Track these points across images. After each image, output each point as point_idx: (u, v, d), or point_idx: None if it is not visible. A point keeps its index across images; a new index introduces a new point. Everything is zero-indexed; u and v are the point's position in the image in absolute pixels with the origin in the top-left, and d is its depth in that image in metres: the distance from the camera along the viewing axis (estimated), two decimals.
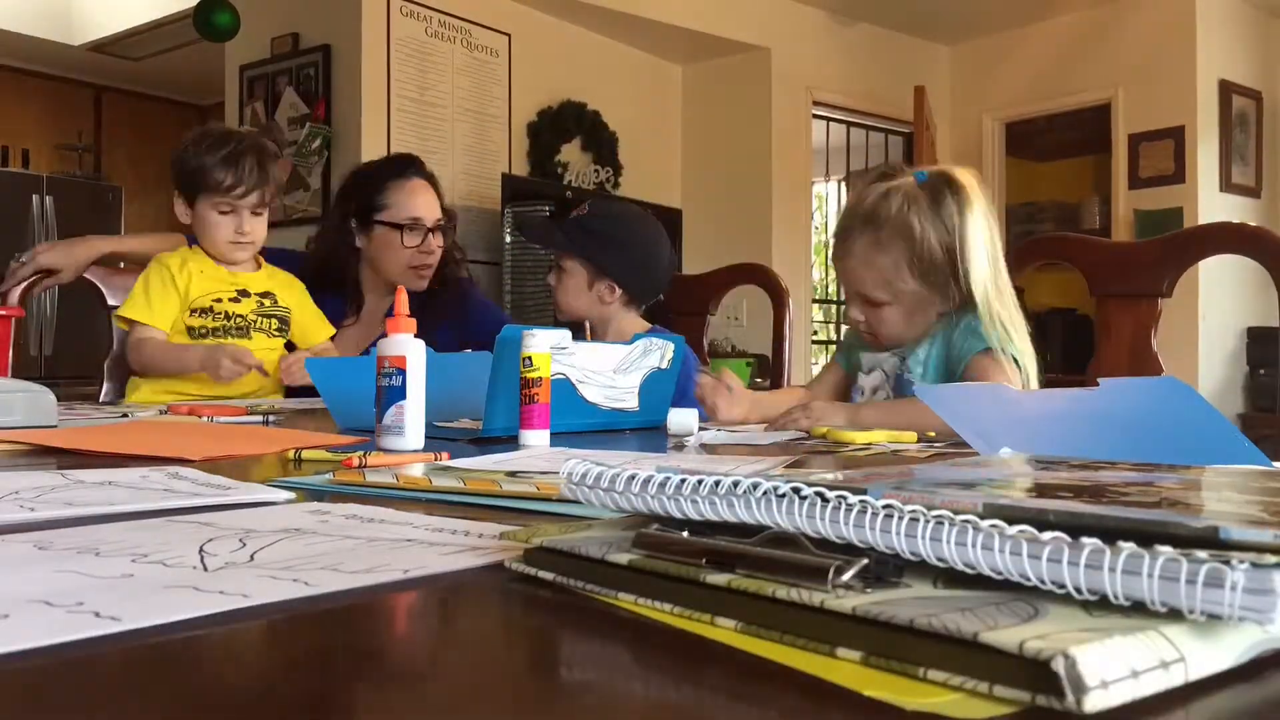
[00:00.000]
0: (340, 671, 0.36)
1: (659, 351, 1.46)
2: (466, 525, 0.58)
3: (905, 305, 1.55)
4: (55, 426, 1.21)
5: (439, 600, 0.44)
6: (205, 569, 0.46)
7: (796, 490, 0.38)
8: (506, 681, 0.34)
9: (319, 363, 1.60)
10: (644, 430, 1.43)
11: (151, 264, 2.16)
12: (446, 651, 0.38)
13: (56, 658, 0.34)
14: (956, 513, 0.35)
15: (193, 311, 2.15)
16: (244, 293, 2.22)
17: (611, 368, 1.39)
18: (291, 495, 0.71)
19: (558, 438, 1.19)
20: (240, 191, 2.09)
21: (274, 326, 2.22)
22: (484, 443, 1.20)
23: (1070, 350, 6.18)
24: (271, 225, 2.26)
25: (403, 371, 1.08)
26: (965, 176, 1.55)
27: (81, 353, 5.11)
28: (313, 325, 2.29)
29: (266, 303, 2.23)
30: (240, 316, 2.20)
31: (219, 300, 2.19)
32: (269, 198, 2.16)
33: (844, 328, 6.61)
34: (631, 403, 1.42)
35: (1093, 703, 0.27)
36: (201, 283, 2.19)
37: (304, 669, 0.35)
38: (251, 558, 0.48)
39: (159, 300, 2.11)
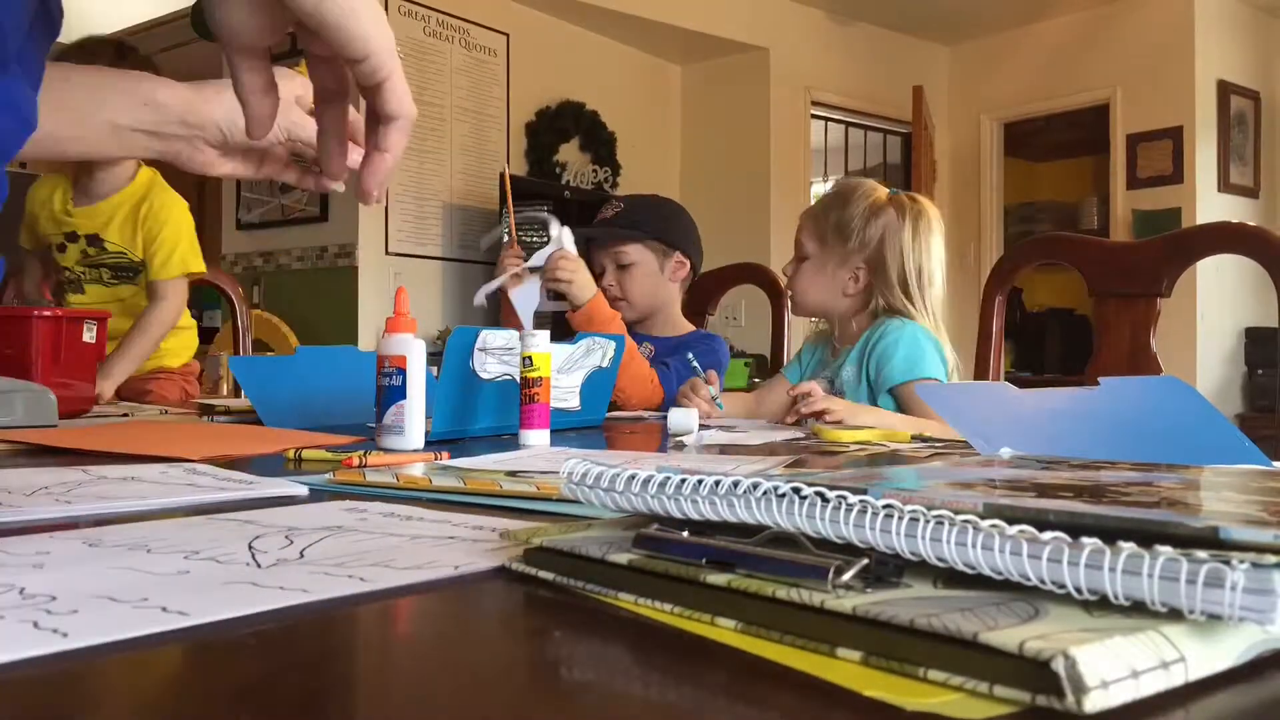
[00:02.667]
0: (343, 671, 0.36)
1: (601, 350, 1.46)
2: (493, 522, 0.59)
3: (813, 263, 1.76)
4: (55, 426, 1.21)
5: (457, 599, 0.44)
6: (258, 565, 0.47)
7: (796, 490, 0.38)
8: (506, 681, 0.34)
9: (243, 361, 1.56)
10: (585, 429, 1.43)
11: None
12: (446, 651, 0.38)
13: (133, 651, 0.34)
14: (956, 513, 0.35)
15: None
16: (72, 236, 2.00)
17: (555, 367, 1.38)
18: (304, 491, 0.72)
19: (508, 439, 1.19)
20: None
21: (106, 276, 2.02)
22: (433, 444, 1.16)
23: (1068, 350, 6.18)
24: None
25: (403, 371, 1.08)
26: (927, 202, 1.78)
27: None
28: (153, 265, 2.01)
29: (92, 250, 2.01)
30: (68, 270, 1.99)
31: (48, 249, 2.00)
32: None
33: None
34: (573, 402, 1.42)
35: (1093, 703, 0.27)
36: (45, 222, 2.00)
37: (380, 663, 0.35)
38: (301, 554, 0.49)
39: (25, 229, 2.01)
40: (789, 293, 1.87)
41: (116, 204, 2.05)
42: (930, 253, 1.72)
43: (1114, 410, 0.77)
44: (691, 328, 2.07)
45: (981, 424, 0.89)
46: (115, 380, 1.95)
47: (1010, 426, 0.84)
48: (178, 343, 2.19)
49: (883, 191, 1.77)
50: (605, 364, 1.47)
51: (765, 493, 0.38)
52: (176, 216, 2.08)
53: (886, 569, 0.36)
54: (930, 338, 1.65)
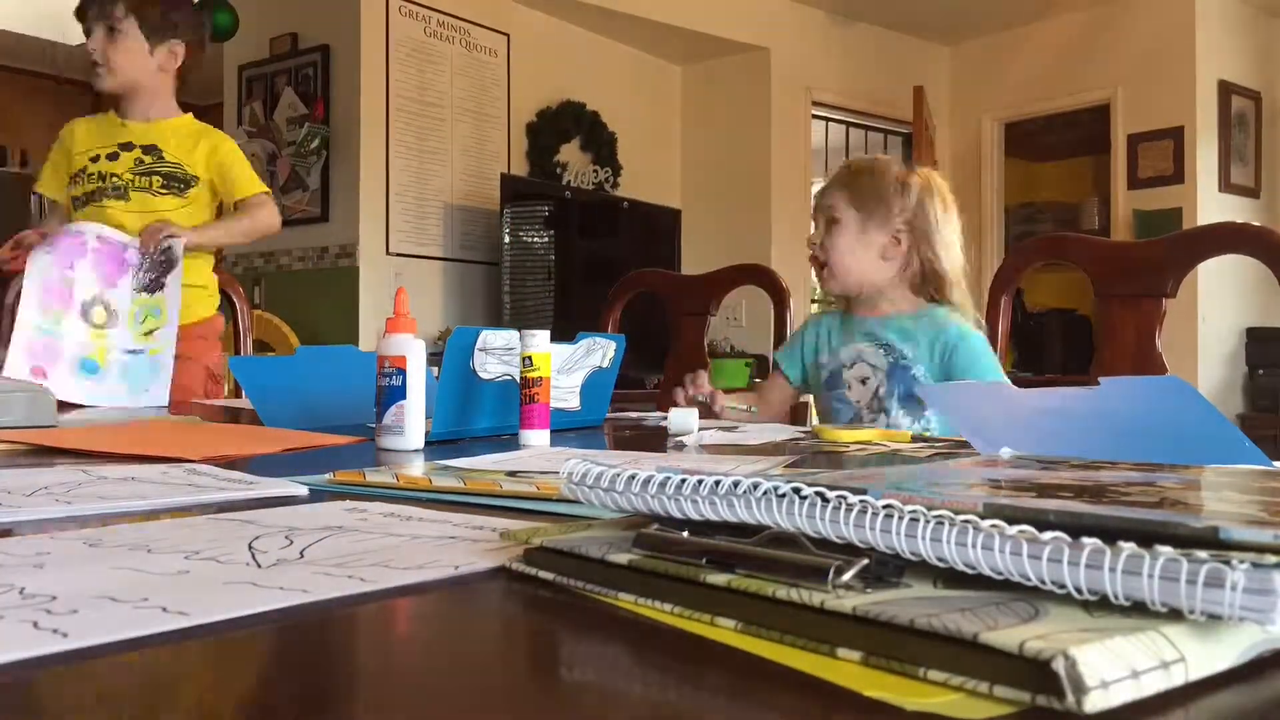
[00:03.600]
0: (350, 671, 0.36)
1: (601, 350, 1.46)
2: (493, 522, 0.59)
3: (853, 229, 1.69)
4: (55, 426, 1.21)
5: (457, 599, 0.44)
6: (259, 565, 0.47)
7: (796, 490, 0.38)
8: (506, 681, 0.34)
9: (244, 361, 1.56)
10: (585, 429, 1.42)
11: None
12: (446, 651, 0.38)
13: (132, 652, 0.35)
14: (957, 513, 0.34)
15: (72, 179, 2.01)
16: (126, 146, 2.04)
17: (555, 367, 1.38)
18: (304, 491, 0.72)
19: (508, 439, 1.19)
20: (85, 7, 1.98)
21: (157, 184, 2.03)
22: (435, 445, 1.15)
23: (1069, 351, 6.18)
24: None
25: (403, 371, 1.08)
26: (941, 178, 1.76)
27: None
28: (235, 184, 2.09)
29: (148, 159, 2.03)
30: (115, 176, 2.01)
31: (95, 159, 2.03)
32: (122, 12, 1.99)
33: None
34: (574, 402, 1.42)
35: (1093, 703, 0.27)
36: (86, 139, 2.05)
37: (380, 663, 0.35)
38: (301, 554, 0.49)
39: (51, 169, 2.06)
40: (820, 263, 1.74)
41: (174, 126, 2.10)
42: (955, 225, 1.71)
43: (1114, 410, 0.77)
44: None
45: (981, 424, 0.89)
46: (202, 235, 2.00)
47: (1010, 426, 0.84)
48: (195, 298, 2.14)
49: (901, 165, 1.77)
50: (605, 364, 1.47)
51: (765, 493, 0.38)
52: (237, 149, 2.18)
53: (886, 569, 0.36)
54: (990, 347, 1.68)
